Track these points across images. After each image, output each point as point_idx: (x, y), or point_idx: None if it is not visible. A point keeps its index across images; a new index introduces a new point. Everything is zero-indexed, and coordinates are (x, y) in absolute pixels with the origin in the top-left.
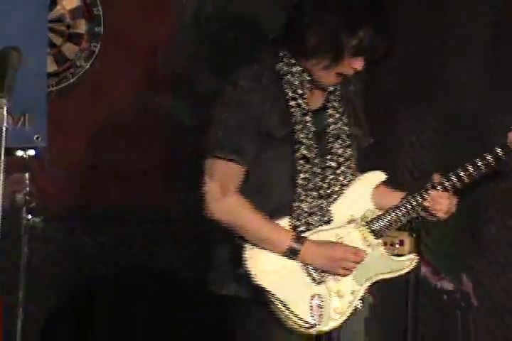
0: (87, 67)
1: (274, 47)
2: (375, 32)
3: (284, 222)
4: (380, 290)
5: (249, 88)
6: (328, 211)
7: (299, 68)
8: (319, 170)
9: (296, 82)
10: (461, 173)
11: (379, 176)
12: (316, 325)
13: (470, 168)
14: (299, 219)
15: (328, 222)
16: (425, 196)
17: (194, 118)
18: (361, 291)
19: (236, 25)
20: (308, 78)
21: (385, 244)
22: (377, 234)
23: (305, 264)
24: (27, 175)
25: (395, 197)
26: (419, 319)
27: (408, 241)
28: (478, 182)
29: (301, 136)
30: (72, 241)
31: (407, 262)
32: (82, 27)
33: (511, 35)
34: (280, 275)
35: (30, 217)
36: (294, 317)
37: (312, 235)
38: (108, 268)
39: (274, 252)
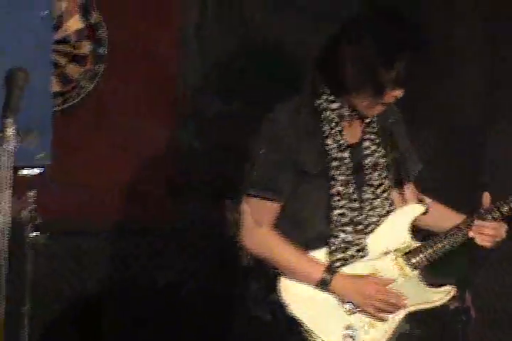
0: (91, 87)
1: (313, 82)
2: (409, 60)
3: (320, 254)
4: None
5: (286, 124)
6: (364, 245)
7: (338, 104)
8: (357, 205)
9: (335, 119)
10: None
11: (417, 208)
12: None
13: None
14: (334, 255)
15: (363, 257)
16: (472, 227)
17: (201, 141)
18: (396, 321)
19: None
20: (347, 113)
21: None
22: (414, 265)
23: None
24: (32, 192)
25: (453, 219)
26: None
27: None
28: None
29: (337, 172)
30: (78, 256)
31: (443, 294)
32: (86, 48)
33: (509, 53)
34: (313, 306)
35: (35, 233)
36: None
37: (347, 266)
38: (114, 282)
39: (306, 283)
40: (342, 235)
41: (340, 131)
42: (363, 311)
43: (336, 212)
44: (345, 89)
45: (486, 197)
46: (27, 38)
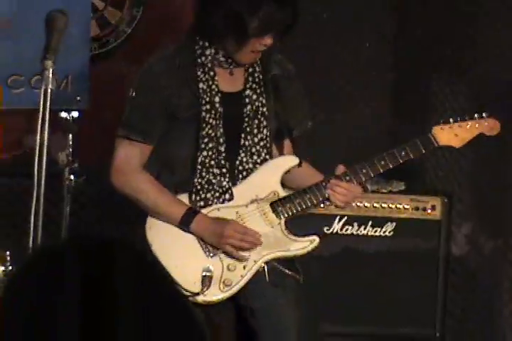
0: (129, 31)
1: (191, 29)
2: (276, 9)
3: (183, 197)
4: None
5: (158, 72)
6: (229, 188)
7: (213, 50)
8: (223, 149)
9: (209, 64)
10: (377, 165)
11: (291, 160)
12: (199, 293)
13: (388, 159)
14: (197, 195)
15: (229, 200)
16: (327, 185)
17: None
18: (255, 266)
19: None
20: (223, 59)
21: (416, 208)
22: (279, 214)
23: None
24: (70, 136)
25: (312, 179)
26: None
27: (440, 206)
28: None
29: (207, 116)
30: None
31: (306, 243)
32: None
33: None
34: (175, 245)
35: (72, 177)
36: (178, 286)
37: (212, 211)
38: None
39: (170, 223)
40: (207, 176)
41: (212, 77)
42: (223, 252)
43: (203, 154)
44: (214, 35)
45: (339, 169)
46: None
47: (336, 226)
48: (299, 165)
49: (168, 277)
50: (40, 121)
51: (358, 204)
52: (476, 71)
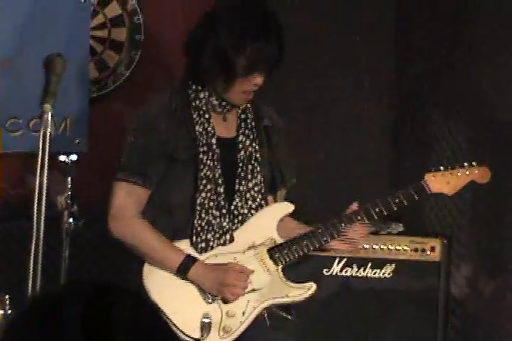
0: (127, 74)
1: (184, 73)
2: (263, 45)
3: (184, 243)
4: None
5: (155, 115)
6: (229, 230)
7: (206, 93)
8: (222, 190)
9: (203, 107)
10: (371, 211)
11: (287, 207)
12: (199, 340)
13: (381, 205)
14: (198, 236)
15: (230, 241)
16: (333, 233)
17: None
18: (253, 314)
19: None
20: (216, 102)
21: (416, 250)
22: (276, 260)
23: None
24: (69, 179)
25: (298, 229)
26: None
27: (439, 248)
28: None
29: (205, 157)
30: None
31: (304, 290)
32: (122, 35)
33: None
34: (173, 292)
35: (71, 220)
36: (179, 332)
37: (210, 258)
38: None
39: (167, 271)
40: (206, 217)
41: (208, 119)
42: (222, 299)
43: (202, 195)
44: (203, 77)
45: (354, 206)
46: (66, 24)
47: (336, 268)
48: (293, 214)
49: (166, 321)
50: (39, 165)
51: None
52: (475, 109)
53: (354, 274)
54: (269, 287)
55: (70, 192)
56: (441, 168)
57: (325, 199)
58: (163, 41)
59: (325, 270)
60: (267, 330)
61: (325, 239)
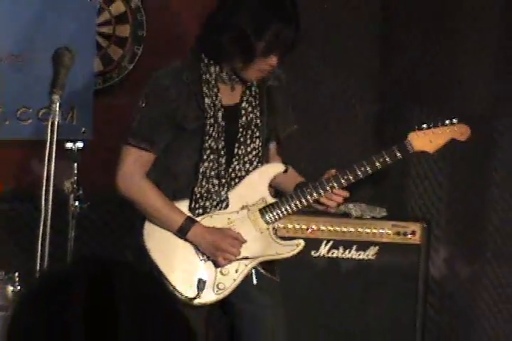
0: (131, 67)
1: (196, 47)
2: (282, 27)
3: (183, 205)
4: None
5: (167, 84)
6: (226, 198)
7: (217, 68)
8: (224, 161)
9: (213, 81)
10: (357, 170)
11: (277, 167)
12: (196, 297)
13: (367, 165)
14: (196, 203)
15: (225, 208)
16: (320, 192)
17: None
18: (245, 270)
19: None
20: (226, 77)
21: (397, 233)
22: (267, 220)
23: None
24: (75, 165)
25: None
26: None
27: (419, 232)
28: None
29: (211, 129)
30: (114, 224)
31: (293, 247)
32: (126, 31)
33: None
34: (171, 251)
35: (77, 203)
36: (175, 291)
37: (205, 218)
38: None
39: (167, 230)
40: (206, 186)
41: (216, 93)
42: (213, 261)
43: (205, 164)
44: (220, 55)
45: (332, 172)
46: (73, 21)
47: (323, 250)
48: (285, 171)
49: (167, 292)
50: (47, 152)
51: (344, 229)
52: (454, 106)
53: (340, 255)
54: (261, 245)
55: (75, 178)
56: (424, 125)
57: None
58: (164, 37)
59: (313, 251)
60: (253, 288)
61: (312, 198)
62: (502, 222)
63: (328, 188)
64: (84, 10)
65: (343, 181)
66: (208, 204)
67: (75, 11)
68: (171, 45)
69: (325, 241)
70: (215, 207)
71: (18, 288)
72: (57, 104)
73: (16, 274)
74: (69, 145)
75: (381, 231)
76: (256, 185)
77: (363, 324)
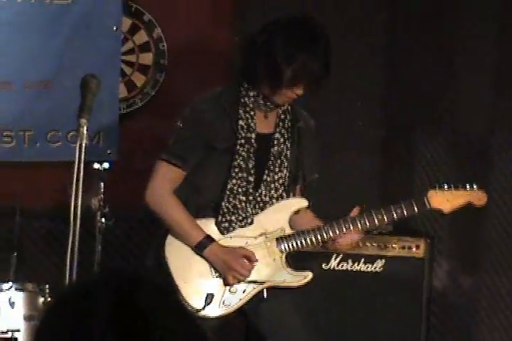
0: (153, 94)
1: (237, 74)
2: (309, 60)
3: (209, 222)
4: None
5: (204, 108)
6: (251, 215)
7: (254, 93)
8: (252, 179)
9: (250, 105)
10: (375, 217)
11: (301, 202)
12: (201, 310)
13: (385, 213)
14: (223, 217)
15: (250, 224)
16: (336, 231)
17: None
18: (252, 293)
19: None
20: (262, 102)
21: (403, 247)
22: (282, 249)
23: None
24: (102, 184)
25: (312, 223)
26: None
27: (423, 246)
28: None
29: (241, 149)
30: (137, 239)
31: (301, 277)
32: (149, 59)
33: None
34: (187, 264)
35: (103, 220)
36: (183, 300)
37: (225, 239)
38: None
39: (187, 244)
40: (233, 202)
41: (251, 116)
42: (224, 279)
43: (233, 181)
44: (253, 80)
45: (355, 211)
46: (100, 49)
47: (333, 263)
48: (307, 207)
49: (185, 307)
50: (75, 172)
51: None
52: (453, 126)
53: (349, 268)
54: (271, 272)
55: (102, 196)
56: (445, 186)
57: (321, 208)
58: (184, 65)
59: (323, 264)
60: (264, 301)
61: (328, 236)
62: (499, 235)
63: (344, 229)
64: (110, 39)
65: (359, 225)
66: (233, 218)
67: (101, 40)
68: (191, 72)
69: (335, 255)
70: (240, 222)
71: (49, 299)
72: (85, 128)
73: (47, 286)
74: (96, 165)
75: (388, 245)
76: (278, 215)
77: (371, 331)
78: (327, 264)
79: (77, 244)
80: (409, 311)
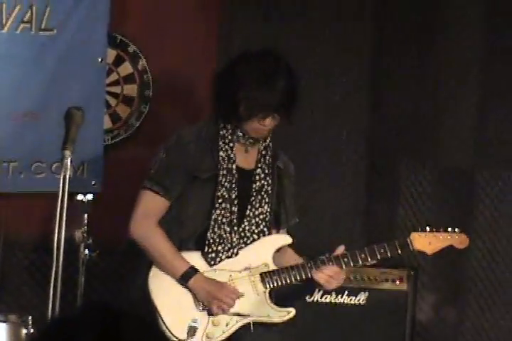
0: (138, 125)
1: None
2: (263, 96)
3: (195, 254)
4: None
5: (188, 140)
6: (237, 245)
7: (233, 126)
8: (236, 210)
9: (229, 137)
10: (359, 256)
11: (285, 239)
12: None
13: (368, 253)
14: (209, 247)
15: (235, 255)
16: (318, 267)
17: None
18: (235, 326)
19: None
20: (240, 134)
21: (386, 280)
22: (266, 284)
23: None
24: (85, 216)
25: (293, 260)
26: None
27: (406, 278)
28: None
29: (223, 179)
30: (121, 272)
31: (284, 313)
32: (134, 91)
33: (497, 100)
34: (171, 296)
35: (87, 251)
36: (167, 331)
37: (209, 272)
38: None
39: (171, 276)
40: (219, 232)
41: (231, 147)
42: (208, 310)
43: (217, 212)
44: (220, 113)
45: (340, 248)
46: (84, 81)
47: (317, 295)
48: (290, 245)
49: (169, 339)
50: (59, 203)
51: None
52: (437, 159)
53: (333, 301)
54: (255, 306)
55: (85, 227)
56: (427, 228)
57: (306, 236)
58: (168, 97)
59: (307, 297)
60: (251, 334)
61: (311, 273)
62: (483, 269)
63: (326, 267)
64: (95, 71)
65: (342, 263)
66: (220, 248)
67: (85, 72)
68: (175, 104)
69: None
70: (227, 252)
71: (32, 330)
72: (69, 159)
73: (30, 317)
74: (80, 197)
75: (371, 277)
76: (262, 250)
77: None
78: (310, 297)
79: (60, 275)
80: None
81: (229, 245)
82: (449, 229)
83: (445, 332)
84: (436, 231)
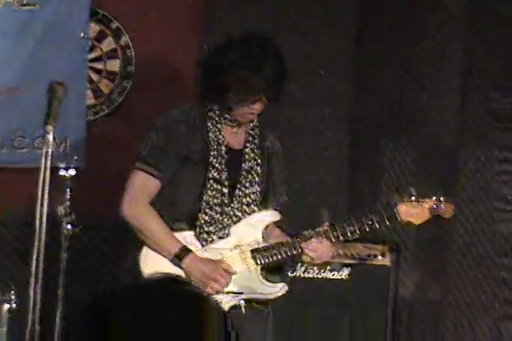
0: (120, 100)
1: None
2: (252, 80)
3: (188, 234)
4: None
5: (178, 120)
6: (228, 225)
7: (220, 108)
8: (226, 191)
9: (216, 118)
10: (347, 228)
11: (274, 215)
12: None
13: (356, 225)
14: (201, 228)
15: (227, 236)
16: (307, 241)
17: None
18: (229, 304)
19: None
20: (227, 116)
21: (369, 255)
22: (257, 260)
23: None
24: (68, 191)
25: (281, 238)
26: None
27: (389, 254)
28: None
29: (214, 160)
30: (104, 247)
31: (276, 289)
32: (116, 66)
33: (479, 83)
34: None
35: (69, 227)
36: None
37: (199, 251)
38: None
39: (164, 256)
40: (210, 213)
41: (219, 129)
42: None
43: (209, 193)
44: (207, 100)
45: (324, 225)
46: (67, 56)
47: (299, 270)
48: (280, 221)
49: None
50: (41, 178)
51: None
52: (421, 135)
53: (315, 276)
54: (247, 283)
55: (68, 203)
56: (412, 198)
57: (291, 211)
58: (151, 72)
59: (289, 272)
60: (243, 317)
61: (301, 247)
62: (465, 244)
63: (317, 240)
64: (77, 46)
65: (331, 236)
66: (211, 229)
67: (68, 47)
68: (158, 79)
69: (300, 263)
70: (218, 232)
71: (14, 306)
72: (51, 134)
73: (12, 292)
74: (62, 172)
75: (353, 253)
76: (252, 227)
77: (337, 337)
78: (293, 272)
79: (43, 250)
80: (375, 317)
81: (220, 226)
82: (434, 198)
83: (427, 307)
84: (421, 199)
